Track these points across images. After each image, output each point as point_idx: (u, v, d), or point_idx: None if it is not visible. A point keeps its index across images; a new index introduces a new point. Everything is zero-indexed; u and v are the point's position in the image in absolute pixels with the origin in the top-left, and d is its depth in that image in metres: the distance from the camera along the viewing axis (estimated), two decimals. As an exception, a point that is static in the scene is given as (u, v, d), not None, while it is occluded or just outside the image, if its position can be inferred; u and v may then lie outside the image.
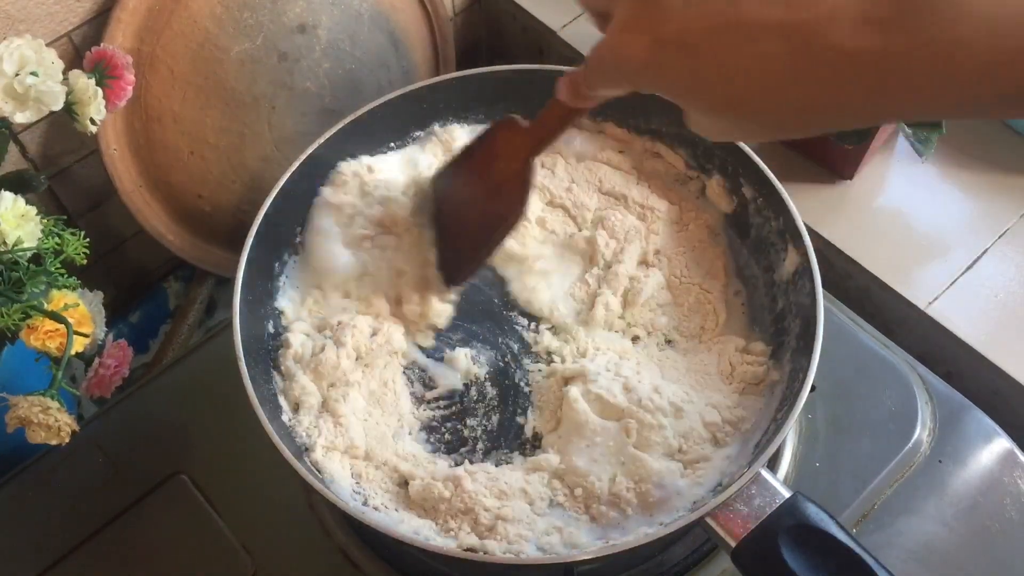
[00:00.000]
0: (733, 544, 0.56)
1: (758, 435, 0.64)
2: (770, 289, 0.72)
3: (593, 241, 0.75)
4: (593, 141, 0.81)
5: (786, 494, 0.57)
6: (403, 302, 0.73)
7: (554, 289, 0.75)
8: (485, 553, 0.60)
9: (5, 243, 0.61)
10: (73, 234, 0.65)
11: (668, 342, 0.73)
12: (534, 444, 0.69)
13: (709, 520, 0.57)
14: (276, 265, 0.74)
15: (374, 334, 0.71)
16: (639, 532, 0.60)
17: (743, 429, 0.65)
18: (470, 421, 0.70)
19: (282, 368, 0.70)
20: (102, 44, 0.70)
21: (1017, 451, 0.72)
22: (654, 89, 0.43)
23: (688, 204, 0.78)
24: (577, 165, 0.80)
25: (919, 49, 0.34)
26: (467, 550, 0.60)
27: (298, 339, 0.71)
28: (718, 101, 0.40)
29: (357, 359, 0.70)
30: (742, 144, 0.72)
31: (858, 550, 0.54)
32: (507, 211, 0.66)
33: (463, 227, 0.70)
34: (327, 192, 0.75)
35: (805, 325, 0.66)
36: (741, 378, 0.68)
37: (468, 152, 0.70)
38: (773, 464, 0.71)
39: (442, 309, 0.73)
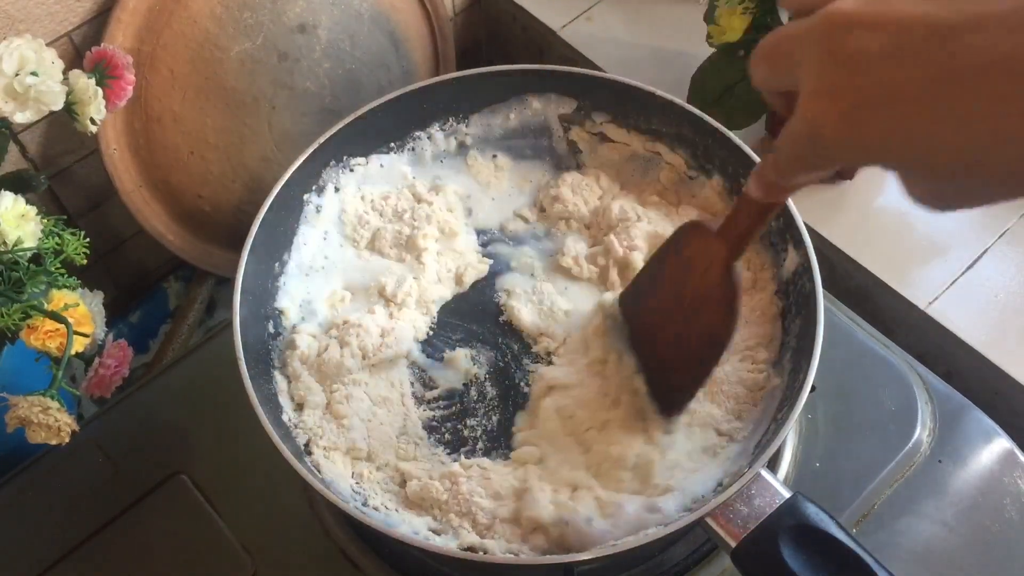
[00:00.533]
0: (733, 544, 0.56)
1: (758, 435, 0.64)
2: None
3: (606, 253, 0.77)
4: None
5: (786, 494, 0.57)
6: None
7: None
8: (485, 553, 0.60)
9: (5, 243, 0.61)
10: (73, 234, 0.65)
11: None
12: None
13: (709, 520, 0.57)
14: (276, 265, 0.74)
15: (383, 335, 0.71)
16: (639, 532, 0.60)
17: (739, 438, 0.65)
18: (470, 421, 0.70)
19: (288, 368, 0.71)
20: (102, 44, 0.70)
21: (1017, 451, 0.72)
22: (863, 160, 0.38)
23: (688, 205, 0.79)
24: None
25: None
26: (467, 550, 0.60)
27: (304, 340, 0.72)
28: (946, 162, 0.34)
29: (364, 359, 0.70)
30: (742, 144, 0.72)
31: (858, 550, 0.54)
32: (718, 326, 0.59)
33: (669, 350, 0.64)
34: None
35: (805, 325, 0.66)
36: (740, 384, 0.68)
37: (657, 266, 0.65)
38: (773, 464, 0.71)
39: (668, 442, 0.65)
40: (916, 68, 0.33)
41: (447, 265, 0.77)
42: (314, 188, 0.76)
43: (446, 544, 0.61)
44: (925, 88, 0.33)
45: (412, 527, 0.63)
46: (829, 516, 0.56)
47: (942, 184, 0.36)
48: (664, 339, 0.64)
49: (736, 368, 0.68)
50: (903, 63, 0.33)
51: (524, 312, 0.74)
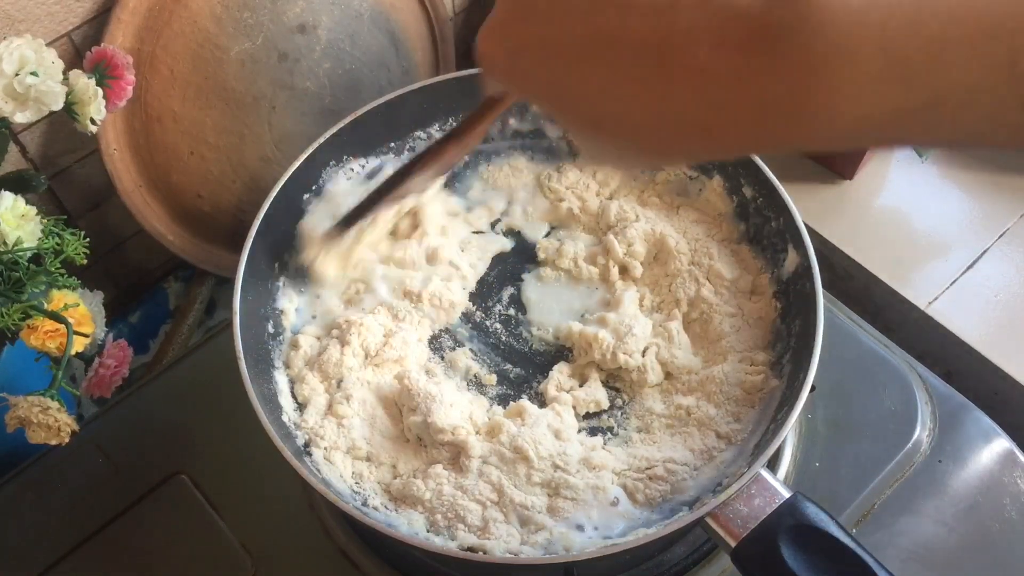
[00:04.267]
0: (733, 544, 0.56)
1: (758, 435, 0.64)
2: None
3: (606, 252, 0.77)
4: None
5: (786, 494, 0.57)
6: None
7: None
8: (485, 553, 0.60)
9: (5, 243, 0.61)
10: (73, 234, 0.65)
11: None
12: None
13: (709, 520, 0.57)
14: (276, 265, 0.74)
15: (386, 335, 0.71)
16: (638, 532, 0.60)
17: (737, 440, 0.65)
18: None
19: (292, 369, 0.71)
20: (102, 44, 0.70)
21: (1017, 451, 0.72)
22: (522, 98, 0.41)
23: (689, 207, 0.79)
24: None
25: (789, 69, 0.30)
26: (467, 550, 0.60)
27: (307, 340, 0.72)
28: (582, 118, 0.37)
29: (366, 358, 0.70)
30: None
31: (858, 550, 0.54)
32: (406, 175, 0.66)
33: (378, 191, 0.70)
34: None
35: (805, 326, 0.66)
36: (739, 387, 0.68)
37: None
38: (773, 464, 0.71)
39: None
40: (565, 27, 0.35)
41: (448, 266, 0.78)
42: (313, 188, 0.76)
43: (445, 544, 0.61)
44: (579, 46, 0.34)
45: (412, 527, 0.63)
46: (829, 516, 0.56)
47: (586, 139, 0.39)
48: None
49: (735, 369, 0.68)
50: (560, 19, 0.35)
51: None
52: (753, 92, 0.31)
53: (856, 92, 0.29)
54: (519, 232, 0.81)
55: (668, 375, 0.71)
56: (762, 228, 0.73)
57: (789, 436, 0.73)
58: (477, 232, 0.81)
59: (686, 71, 0.31)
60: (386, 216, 0.74)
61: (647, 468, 0.65)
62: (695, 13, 0.31)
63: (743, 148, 0.36)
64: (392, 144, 0.80)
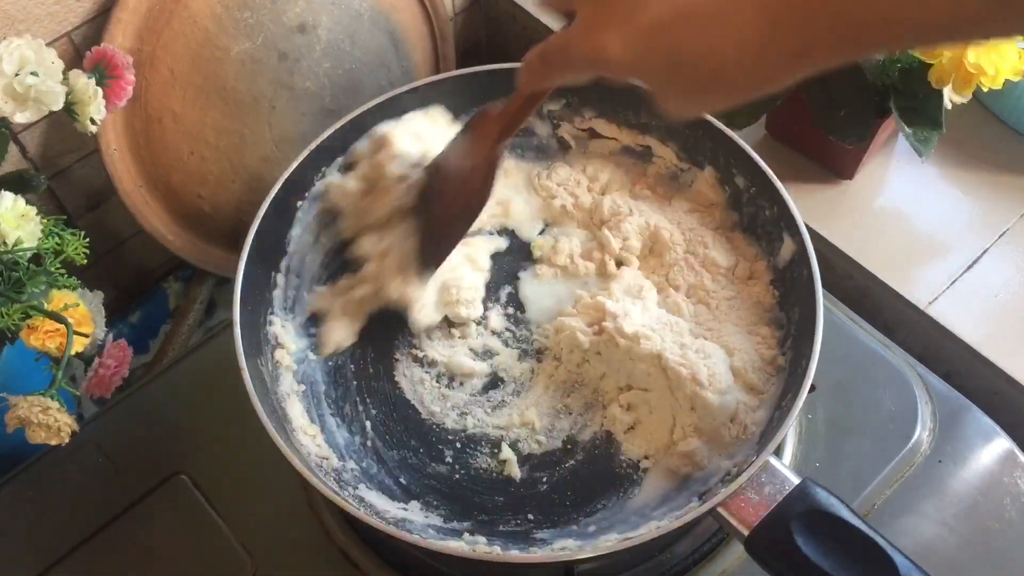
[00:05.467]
0: (746, 532, 0.56)
1: (763, 424, 0.64)
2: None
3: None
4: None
5: (795, 480, 0.58)
6: (386, 282, 0.73)
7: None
8: (486, 553, 0.60)
9: (5, 243, 0.61)
10: (73, 234, 0.65)
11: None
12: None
13: (721, 510, 0.57)
14: (276, 265, 0.74)
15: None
16: (650, 525, 0.60)
17: (759, 417, 0.66)
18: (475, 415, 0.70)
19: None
20: (102, 44, 0.70)
21: (1017, 451, 0.72)
22: (635, 79, 0.45)
23: (681, 199, 0.79)
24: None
25: None
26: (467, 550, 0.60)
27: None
28: (700, 79, 0.42)
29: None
30: (732, 134, 0.73)
31: (870, 532, 0.54)
32: (474, 197, 0.69)
33: (442, 215, 0.71)
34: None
35: (804, 312, 0.66)
36: (759, 357, 0.68)
37: (453, 142, 0.70)
38: (773, 463, 0.71)
39: (416, 296, 0.73)
40: (670, 4, 0.42)
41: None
42: (314, 188, 0.76)
43: (447, 544, 0.61)
44: (681, 13, 0.42)
45: (413, 525, 0.63)
46: (839, 500, 0.56)
47: (694, 98, 0.45)
48: (443, 202, 0.71)
49: (743, 343, 0.69)
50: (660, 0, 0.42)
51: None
52: None
53: None
54: (512, 231, 0.81)
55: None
56: (756, 217, 0.74)
57: (789, 436, 0.73)
58: (472, 233, 0.80)
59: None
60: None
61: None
62: None
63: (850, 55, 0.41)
64: (392, 144, 0.80)
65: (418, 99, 0.78)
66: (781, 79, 0.42)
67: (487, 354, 0.74)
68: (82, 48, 0.75)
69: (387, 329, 0.75)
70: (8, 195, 0.62)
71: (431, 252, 0.72)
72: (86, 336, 0.64)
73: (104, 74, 0.68)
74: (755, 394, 0.66)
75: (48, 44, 0.65)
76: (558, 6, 0.51)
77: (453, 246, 0.72)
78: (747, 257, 0.74)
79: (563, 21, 0.50)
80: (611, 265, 0.76)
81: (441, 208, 0.71)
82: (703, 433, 0.65)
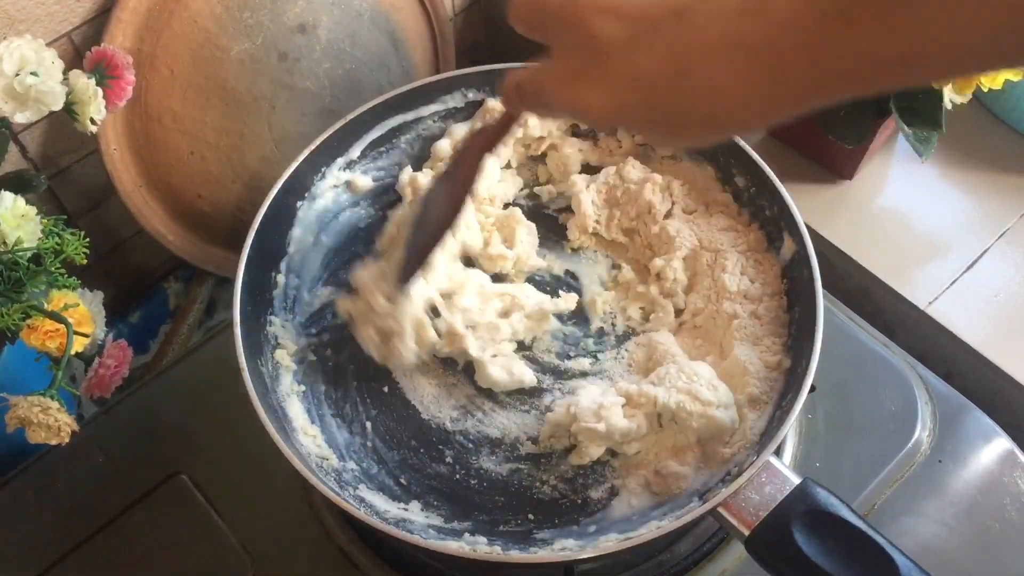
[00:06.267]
0: (747, 532, 0.56)
1: (763, 424, 0.64)
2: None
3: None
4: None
5: (796, 480, 0.58)
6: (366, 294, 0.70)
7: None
8: (486, 553, 0.60)
9: (5, 243, 0.61)
10: (73, 234, 0.65)
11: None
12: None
13: (721, 510, 0.57)
14: (277, 265, 0.74)
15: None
16: (651, 525, 0.60)
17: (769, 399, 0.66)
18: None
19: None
20: (102, 44, 0.70)
21: (1017, 451, 0.72)
22: (617, 127, 0.44)
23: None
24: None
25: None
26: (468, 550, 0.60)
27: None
28: (691, 124, 0.40)
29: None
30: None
31: (871, 532, 0.54)
32: (456, 198, 0.65)
33: (428, 223, 0.68)
34: None
35: (805, 312, 0.66)
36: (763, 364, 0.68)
37: (450, 160, 0.69)
38: (773, 464, 0.71)
39: (388, 310, 0.69)
40: (659, 48, 0.38)
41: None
42: (313, 187, 0.76)
43: (447, 545, 0.61)
44: (670, 64, 0.38)
45: (414, 525, 0.63)
46: (840, 500, 0.56)
47: (685, 139, 0.42)
48: (430, 212, 0.67)
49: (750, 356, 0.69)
50: (647, 45, 0.38)
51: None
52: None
53: None
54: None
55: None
56: (756, 217, 0.74)
57: (789, 436, 0.73)
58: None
59: (790, 53, 0.36)
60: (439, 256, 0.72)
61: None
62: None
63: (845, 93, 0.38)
64: (392, 143, 0.80)
65: (419, 99, 0.78)
66: (783, 117, 0.39)
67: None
68: (82, 48, 0.75)
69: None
70: (8, 195, 0.62)
71: (407, 265, 0.68)
72: (86, 336, 0.64)
73: (104, 74, 0.68)
74: (758, 406, 0.66)
75: (48, 44, 0.65)
76: (531, 33, 0.46)
77: (425, 257, 0.68)
78: (768, 280, 0.72)
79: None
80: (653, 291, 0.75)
81: (426, 220, 0.68)
82: (703, 452, 0.65)
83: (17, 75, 0.62)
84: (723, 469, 0.63)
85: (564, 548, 0.62)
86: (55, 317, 0.62)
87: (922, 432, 0.73)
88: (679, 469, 0.64)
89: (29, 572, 0.70)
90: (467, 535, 0.63)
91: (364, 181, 0.80)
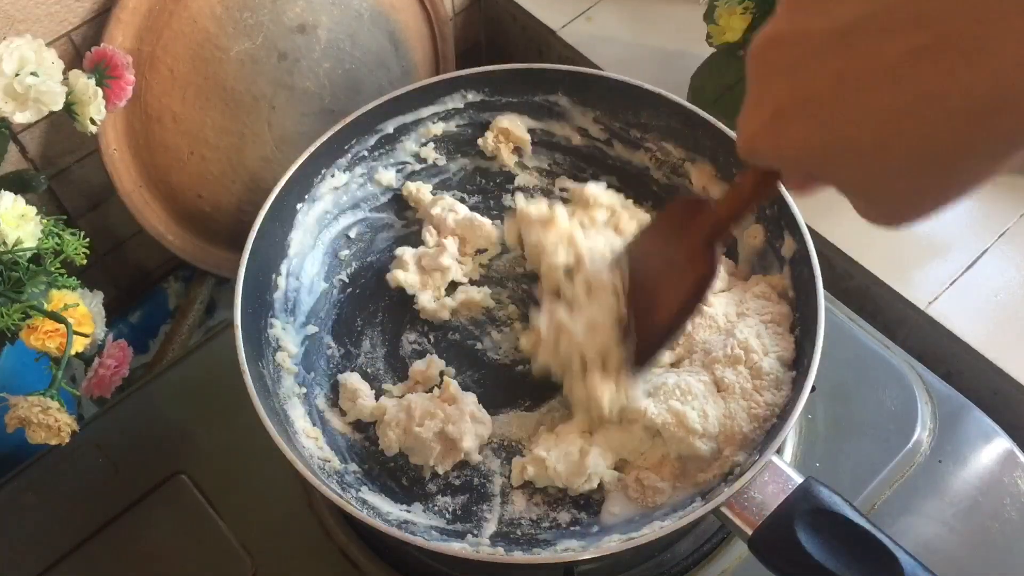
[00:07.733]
0: (750, 532, 0.56)
1: (742, 457, 0.64)
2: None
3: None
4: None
5: (798, 479, 0.58)
6: (587, 370, 0.65)
7: None
8: (489, 554, 0.60)
9: (5, 243, 0.61)
10: (73, 234, 0.65)
11: None
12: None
13: (724, 510, 0.57)
14: (277, 265, 0.74)
15: None
16: (653, 525, 0.60)
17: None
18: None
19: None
20: (102, 44, 0.70)
21: (1017, 451, 0.72)
22: (795, 169, 0.39)
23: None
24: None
25: None
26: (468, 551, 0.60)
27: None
28: (867, 161, 0.35)
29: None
30: (732, 134, 0.72)
31: (873, 531, 0.54)
32: (691, 294, 0.59)
33: (649, 305, 0.63)
34: None
35: (806, 312, 0.66)
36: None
37: (656, 226, 0.65)
38: (773, 464, 0.71)
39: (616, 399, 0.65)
40: (821, 71, 0.34)
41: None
42: (313, 189, 0.76)
43: (451, 546, 0.61)
44: (832, 88, 0.34)
45: (416, 527, 0.63)
46: (843, 499, 0.56)
47: (878, 193, 0.38)
48: (647, 294, 0.63)
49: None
50: (809, 68, 0.35)
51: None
52: None
53: None
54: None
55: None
56: (756, 217, 0.74)
57: (789, 436, 0.73)
58: None
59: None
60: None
61: None
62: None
63: None
64: (392, 143, 0.80)
65: (419, 100, 0.78)
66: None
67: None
68: (82, 48, 0.75)
69: (392, 326, 0.76)
70: (8, 195, 0.62)
71: (640, 352, 0.63)
72: (86, 336, 0.64)
73: (104, 74, 0.68)
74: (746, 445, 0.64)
75: (48, 44, 0.65)
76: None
77: (661, 349, 0.63)
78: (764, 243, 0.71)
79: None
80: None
81: (649, 302, 0.63)
82: (683, 468, 0.65)
83: (17, 75, 0.62)
84: (696, 491, 0.63)
85: (567, 549, 0.62)
86: (55, 317, 0.62)
87: (922, 432, 0.73)
88: (658, 484, 0.64)
89: (29, 572, 0.70)
90: (470, 536, 0.63)
91: (377, 179, 0.81)
